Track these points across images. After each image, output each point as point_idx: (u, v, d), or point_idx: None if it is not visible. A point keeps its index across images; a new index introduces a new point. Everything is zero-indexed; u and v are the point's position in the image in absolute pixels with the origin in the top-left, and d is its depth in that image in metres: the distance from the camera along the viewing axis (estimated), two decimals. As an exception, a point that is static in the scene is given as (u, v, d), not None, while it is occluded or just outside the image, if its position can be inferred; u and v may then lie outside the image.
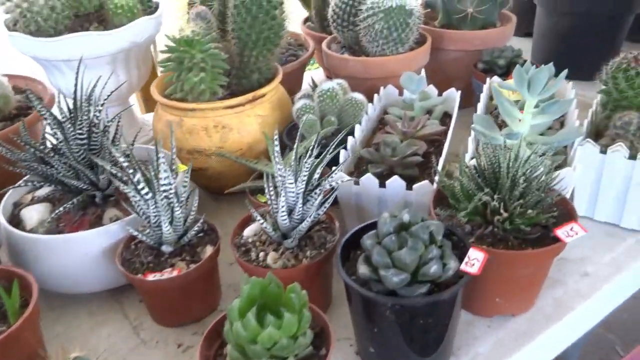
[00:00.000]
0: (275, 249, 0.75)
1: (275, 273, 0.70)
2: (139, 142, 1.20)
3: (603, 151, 0.86)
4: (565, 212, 0.75)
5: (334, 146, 0.77)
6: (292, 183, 0.68)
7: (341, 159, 0.90)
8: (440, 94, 1.13)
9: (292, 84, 1.29)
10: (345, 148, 0.93)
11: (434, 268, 0.59)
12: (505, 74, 1.20)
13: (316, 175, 0.73)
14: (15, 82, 1.14)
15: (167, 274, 0.75)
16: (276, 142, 0.72)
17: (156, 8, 1.17)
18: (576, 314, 0.78)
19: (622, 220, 0.92)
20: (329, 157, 0.74)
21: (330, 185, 0.73)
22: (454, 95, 1.10)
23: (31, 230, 0.82)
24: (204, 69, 0.95)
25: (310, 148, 0.73)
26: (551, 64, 0.85)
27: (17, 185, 0.86)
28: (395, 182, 0.82)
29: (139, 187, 0.72)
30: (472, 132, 0.91)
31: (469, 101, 1.25)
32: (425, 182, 0.80)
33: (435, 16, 1.34)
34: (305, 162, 0.69)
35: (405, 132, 0.95)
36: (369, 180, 0.83)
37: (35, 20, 1.01)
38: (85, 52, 1.02)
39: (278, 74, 1.07)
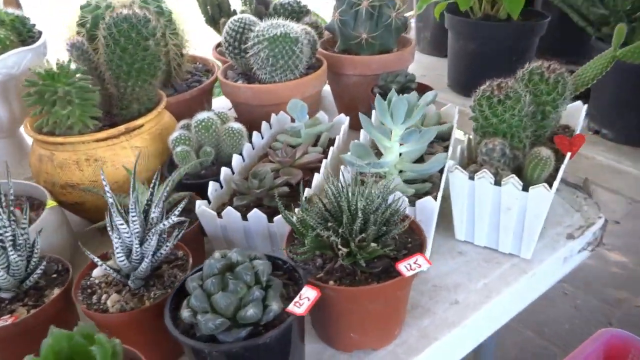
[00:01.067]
0: (119, 291, 0.71)
1: (109, 318, 0.66)
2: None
3: (472, 177, 0.86)
4: (420, 243, 0.74)
5: (173, 181, 0.74)
6: (122, 224, 0.65)
7: (209, 191, 0.87)
8: (331, 120, 1.12)
9: (195, 111, 1.26)
10: (218, 180, 0.91)
11: (251, 311, 0.56)
12: (399, 98, 1.20)
13: (153, 215, 0.69)
14: None
15: (2, 321, 0.70)
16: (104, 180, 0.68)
17: (39, 37, 1.13)
18: (440, 344, 0.76)
19: (499, 245, 0.91)
20: (164, 195, 0.71)
21: (172, 222, 0.70)
22: (342, 120, 1.09)
23: None
24: (71, 102, 0.91)
25: (152, 186, 0.70)
26: (413, 93, 0.85)
27: None
28: (256, 215, 0.79)
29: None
30: (346, 161, 0.90)
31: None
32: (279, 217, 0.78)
33: (335, 41, 1.34)
34: (134, 202, 0.66)
35: (281, 162, 0.93)
36: (230, 213, 0.81)
37: None
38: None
39: (160, 103, 1.05)
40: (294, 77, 1.14)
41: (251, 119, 1.20)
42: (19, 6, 1.34)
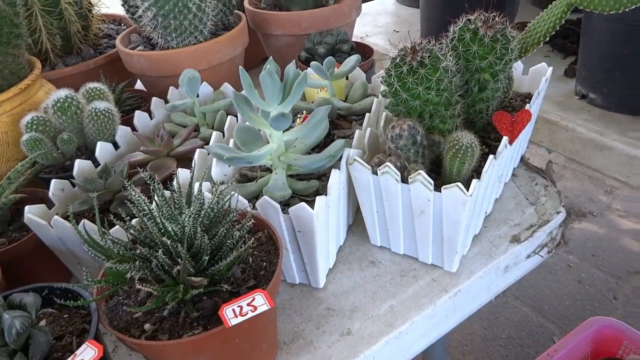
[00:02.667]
0: None
1: None
2: None
3: (375, 172, 0.66)
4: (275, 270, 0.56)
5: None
6: None
7: (50, 191, 0.71)
8: (238, 94, 0.92)
9: (113, 80, 1.07)
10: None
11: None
12: (329, 63, 0.99)
13: None
14: None
15: None
16: None
17: None
18: (314, 392, 0.60)
19: (418, 254, 0.73)
20: None
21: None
22: (249, 95, 0.90)
23: None
24: None
25: None
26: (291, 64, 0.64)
27: None
28: (87, 227, 0.63)
29: None
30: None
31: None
32: (116, 227, 0.61)
33: (267, -6, 1.13)
34: None
35: (147, 151, 0.75)
36: (59, 224, 0.64)
37: None
38: None
39: (28, 77, 0.87)
40: (197, 42, 0.94)
41: (155, 92, 1.02)
42: None
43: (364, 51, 1.03)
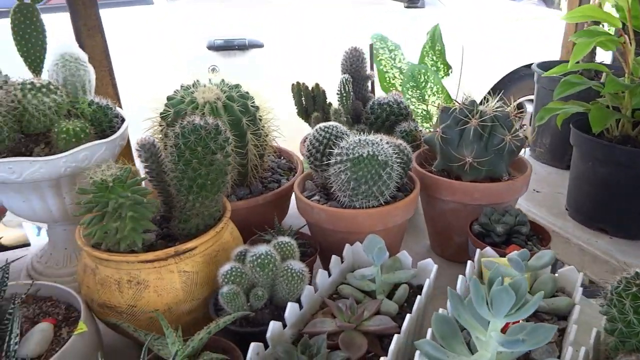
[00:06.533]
0: None
1: None
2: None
3: (598, 405, 0.61)
4: None
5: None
6: None
7: (249, 355, 0.71)
8: (415, 264, 0.92)
9: (269, 218, 1.12)
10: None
11: None
12: (505, 242, 0.97)
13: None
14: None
15: None
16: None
17: (119, 126, 1.08)
18: None
19: None
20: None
21: None
22: (429, 268, 0.89)
23: None
24: (121, 216, 0.82)
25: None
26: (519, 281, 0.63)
27: None
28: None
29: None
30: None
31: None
32: None
33: (435, 156, 1.16)
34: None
35: (342, 326, 0.75)
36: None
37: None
38: (22, 176, 0.95)
39: (221, 220, 0.92)
40: (378, 204, 0.97)
41: (325, 242, 1.05)
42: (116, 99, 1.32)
43: (539, 232, 1.01)
